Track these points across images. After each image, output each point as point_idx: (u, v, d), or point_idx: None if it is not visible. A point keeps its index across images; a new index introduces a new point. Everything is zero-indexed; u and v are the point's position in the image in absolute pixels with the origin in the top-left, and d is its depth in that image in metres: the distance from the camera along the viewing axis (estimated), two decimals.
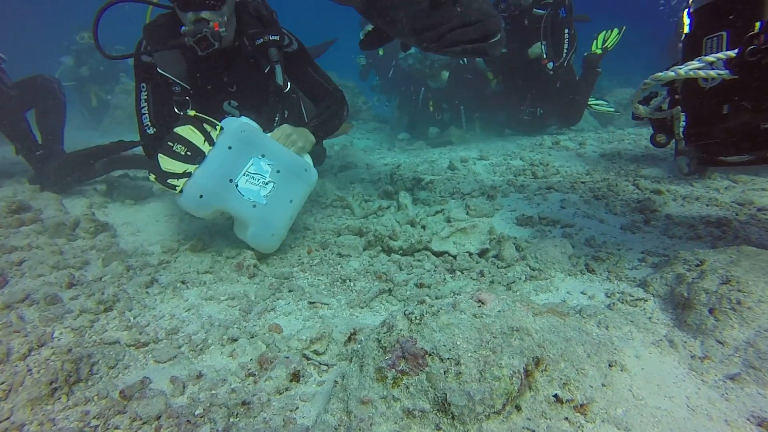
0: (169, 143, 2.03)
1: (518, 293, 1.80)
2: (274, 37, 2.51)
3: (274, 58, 2.54)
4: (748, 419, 1.01)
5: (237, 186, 2.06)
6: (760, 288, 1.33)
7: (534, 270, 1.99)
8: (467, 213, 2.68)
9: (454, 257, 2.15)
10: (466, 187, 3.20)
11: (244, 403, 1.17)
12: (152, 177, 2.02)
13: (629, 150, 4.31)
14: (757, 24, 1.28)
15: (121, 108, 8.01)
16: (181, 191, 1.98)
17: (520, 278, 1.94)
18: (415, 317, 1.02)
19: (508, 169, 3.75)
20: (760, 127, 1.37)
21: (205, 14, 2.18)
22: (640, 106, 1.65)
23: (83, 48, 8.70)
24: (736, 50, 1.30)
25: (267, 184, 2.12)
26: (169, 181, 1.99)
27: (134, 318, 1.65)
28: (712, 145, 1.52)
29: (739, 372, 1.16)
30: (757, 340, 1.22)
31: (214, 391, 1.26)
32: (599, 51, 5.41)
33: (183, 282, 1.97)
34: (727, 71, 1.34)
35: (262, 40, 2.49)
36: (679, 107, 1.58)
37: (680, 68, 1.41)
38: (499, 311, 1.04)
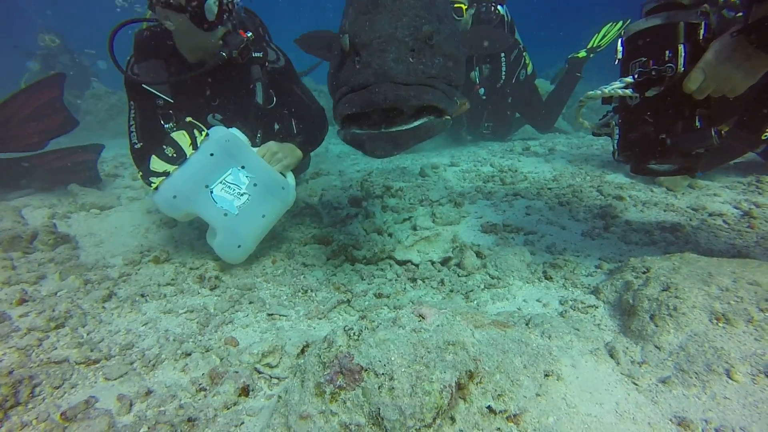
0: (163, 146, 2.10)
1: (475, 302, 1.84)
2: (257, 54, 2.51)
3: (255, 76, 2.55)
4: (670, 420, 1.07)
5: (212, 192, 2.08)
6: (694, 294, 1.39)
7: (493, 278, 2.03)
8: (433, 221, 2.71)
9: (417, 266, 2.18)
10: (434, 194, 3.24)
11: (189, 420, 1.17)
12: (139, 174, 2.10)
13: (597, 155, 4.43)
14: (667, 52, 1.49)
15: (91, 113, 7.82)
16: (156, 189, 2.02)
17: (479, 287, 1.98)
18: (354, 333, 1.04)
19: (477, 175, 3.81)
20: (658, 137, 1.57)
21: (228, 26, 2.22)
22: (585, 121, 1.79)
23: (49, 52, 8.49)
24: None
25: (242, 195, 2.13)
26: (150, 179, 2.04)
27: (87, 334, 1.62)
28: (635, 155, 1.70)
29: (670, 375, 1.21)
30: (688, 344, 1.28)
31: (162, 408, 1.26)
32: (583, 54, 5.45)
33: (142, 295, 1.95)
34: (630, 90, 1.58)
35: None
36: (614, 122, 1.73)
37: (605, 87, 1.63)
38: (438, 325, 1.06)
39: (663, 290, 1.49)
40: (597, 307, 1.73)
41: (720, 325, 1.28)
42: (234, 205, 2.10)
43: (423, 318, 1.09)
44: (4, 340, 1.51)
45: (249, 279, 2.13)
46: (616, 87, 1.60)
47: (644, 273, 1.71)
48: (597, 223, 2.66)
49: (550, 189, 3.32)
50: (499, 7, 4.49)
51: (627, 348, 1.40)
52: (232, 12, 2.23)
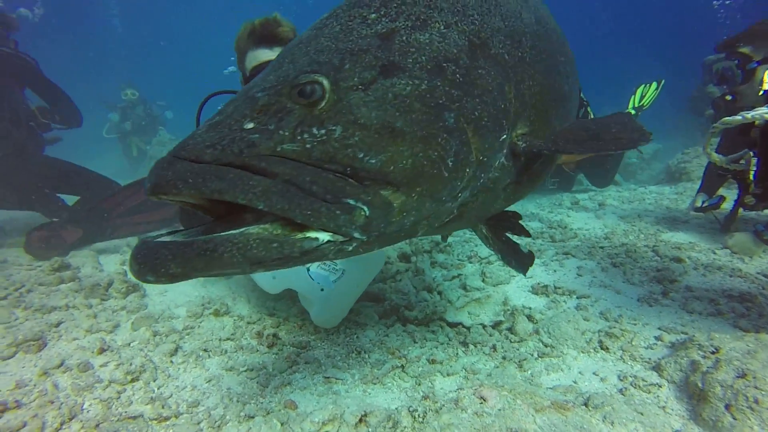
0: None
1: (528, 372, 1.81)
2: None
3: None
4: None
5: (309, 270, 2.16)
6: None
7: (546, 346, 1.99)
8: (483, 280, 2.71)
9: (468, 329, 2.18)
10: (483, 250, 3.25)
11: None
12: None
13: (650, 211, 4.30)
14: None
15: (156, 159, 8.55)
16: None
17: (532, 355, 1.95)
18: (419, 415, 1.07)
19: None
20: None
21: None
22: (714, 154, 1.76)
23: (128, 105, 9.50)
24: None
25: (338, 270, 2.19)
26: None
27: (158, 389, 1.73)
28: None
29: None
30: None
31: None
32: (632, 111, 5.42)
33: (205, 350, 2.06)
34: None
35: None
36: (752, 153, 1.68)
37: (747, 113, 1.59)
38: (500, 410, 1.07)
39: (738, 377, 1.42)
40: (661, 386, 1.65)
41: None
42: (330, 281, 2.15)
43: (485, 400, 1.11)
44: (90, 390, 1.64)
45: (304, 337, 2.20)
46: (762, 112, 1.54)
47: (713, 353, 1.63)
48: (654, 287, 2.56)
49: (602, 248, 3.25)
50: None
51: None
52: None
